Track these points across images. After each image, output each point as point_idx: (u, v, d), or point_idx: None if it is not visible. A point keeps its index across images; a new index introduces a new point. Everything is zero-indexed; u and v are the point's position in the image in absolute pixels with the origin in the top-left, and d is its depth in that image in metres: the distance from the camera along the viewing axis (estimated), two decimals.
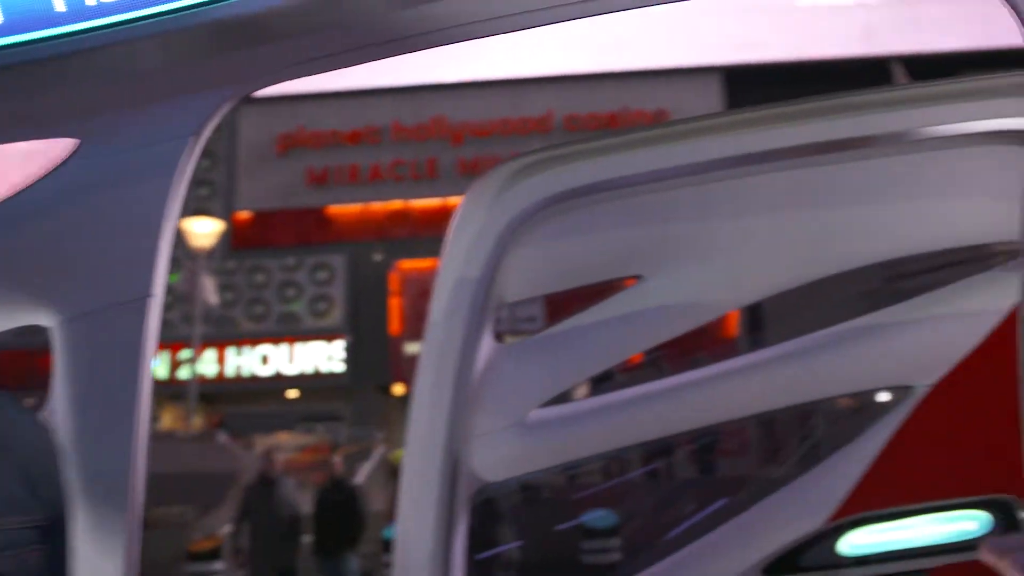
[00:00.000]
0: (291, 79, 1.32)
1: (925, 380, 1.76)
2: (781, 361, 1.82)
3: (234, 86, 1.32)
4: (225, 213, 14.38)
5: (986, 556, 0.60)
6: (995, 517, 1.82)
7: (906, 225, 1.73)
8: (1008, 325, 1.70)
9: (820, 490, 1.83)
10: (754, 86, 12.51)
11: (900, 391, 1.79)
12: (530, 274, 1.75)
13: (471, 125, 14.79)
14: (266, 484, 7.14)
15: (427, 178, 14.99)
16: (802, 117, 1.66)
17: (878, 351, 1.78)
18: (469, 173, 14.02)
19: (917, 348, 1.77)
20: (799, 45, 13.13)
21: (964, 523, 1.83)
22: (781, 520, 1.85)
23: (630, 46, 12.91)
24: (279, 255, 15.10)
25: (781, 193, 1.71)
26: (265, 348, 14.59)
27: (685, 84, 13.81)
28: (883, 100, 1.64)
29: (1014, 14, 1.42)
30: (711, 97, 13.69)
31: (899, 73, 12.21)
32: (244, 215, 15.33)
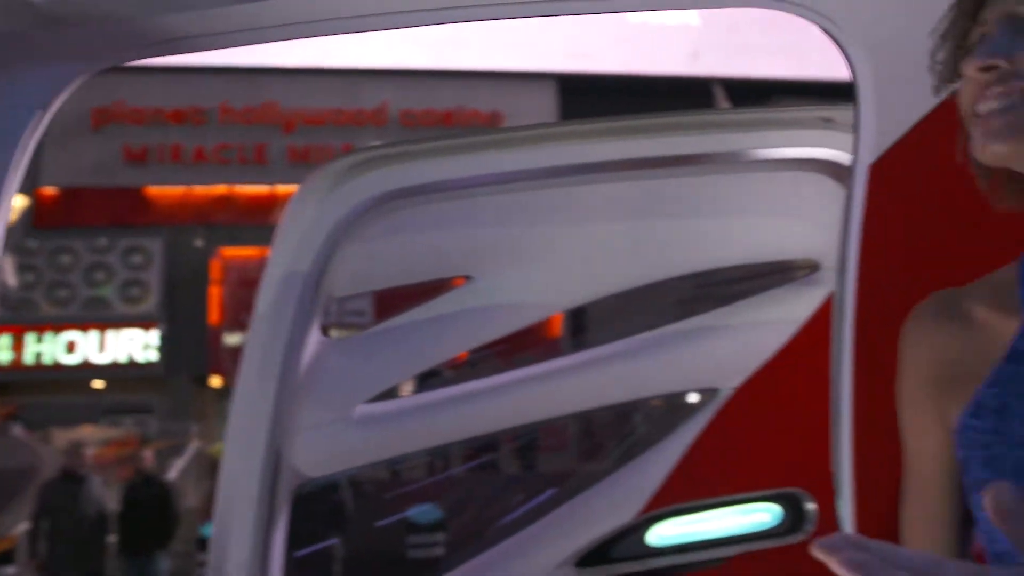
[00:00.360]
0: (148, 57, 1.26)
1: (729, 383, 1.89)
2: (600, 363, 1.91)
3: (87, 60, 1.25)
4: (28, 188, 13.35)
5: (817, 553, 0.64)
6: (785, 509, 1.99)
7: (719, 239, 1.86)
8: (804, 334, 1.87)
9: (632, 485, 1.94)
10: (587, 96, 12.96)
11: (706, 393, 1.92)
12: (361, 270, 1.76)
13: (304, 113, 14.45)
14: (70, 480, 6.69)
15: (255, 164, 14.50)
16: (632, 132, 1.75)
17: (688, 356, 1.90)
18: (299, 162, 13.69)
19: (723, 354, 1.89)
20: (631, 60, 13.69)
21: (759, 515, 1.98)
22: (595, 514, 1.94)
23: (469, 46, 13.03)
24: (88, 236, 14.15)
25: (609, 203, 1.81)
26: (71, 334, 13.64)
27: (521, 88, 14.10)
28: (705, 122, 1.76)
29: (839, 49, 1.55)
30: (545, 103, 14.05)
31: (720, 95, 12.98)
32: (49, 191, 14.26)
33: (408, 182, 1.70)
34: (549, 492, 2.09)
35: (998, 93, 0.83)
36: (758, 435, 1.95)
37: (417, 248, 1.77)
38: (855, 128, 1.66)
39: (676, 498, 1.93)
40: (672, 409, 2.06)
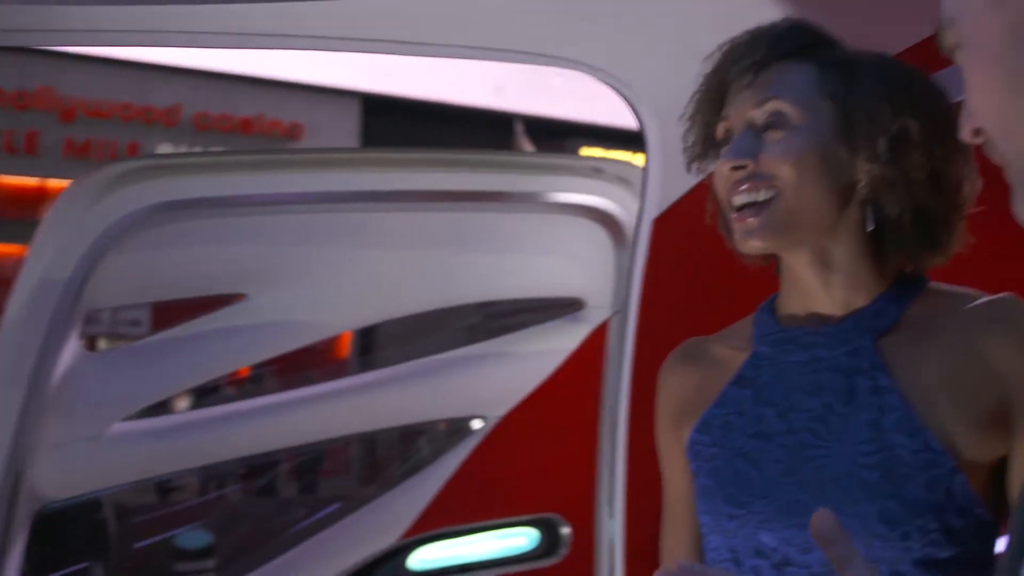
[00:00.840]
0: None
1: (495, 412, 1.97)
2: (369, 388, 1.95)
3: None
4: None
5: None
6: (542, 533, 2.08)
7: (494, 274, 1.96)
8: (568, 368, 1.98)
9: (397, 509, 1.96)
10: (390, 117, 12.99)
11: (475, 420, 1.99)
12: (129, 282, 1.69)
13: (86, 103, 13.44)
14: None
15: (24, 153, 13.30)
16: (417, 165, 1.82)
17: (457, 384, 1.97)
18: (77, 156, 12.71)
19: (491, 383, 1.98)
20: (436, 87, 13.87)
21: (517, 539, 2.07)
22: (360, 538, 1.95)
23: (273, 54, 12.70)
24: None
25: (392, 232, 1.85)
26: None
27: (324, 102, 13.90)
28: (487, 161, 1.86)
29: (632, 110, 1.67)
30: (348, 120, 13.93)
31: (520, 131, 13.41)
32: None
33: (186, 195, 1.66)
34: (315, 515, 2.08)
35: (747, 189, 0.99)
36: (520, 462, 2.03)
37: (191, 263, 1.73)
38: (642, 185, 1.79)
39: (440, 522, 1.98)
40: (439, 435, 2.12)
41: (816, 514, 0.69)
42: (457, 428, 2.04)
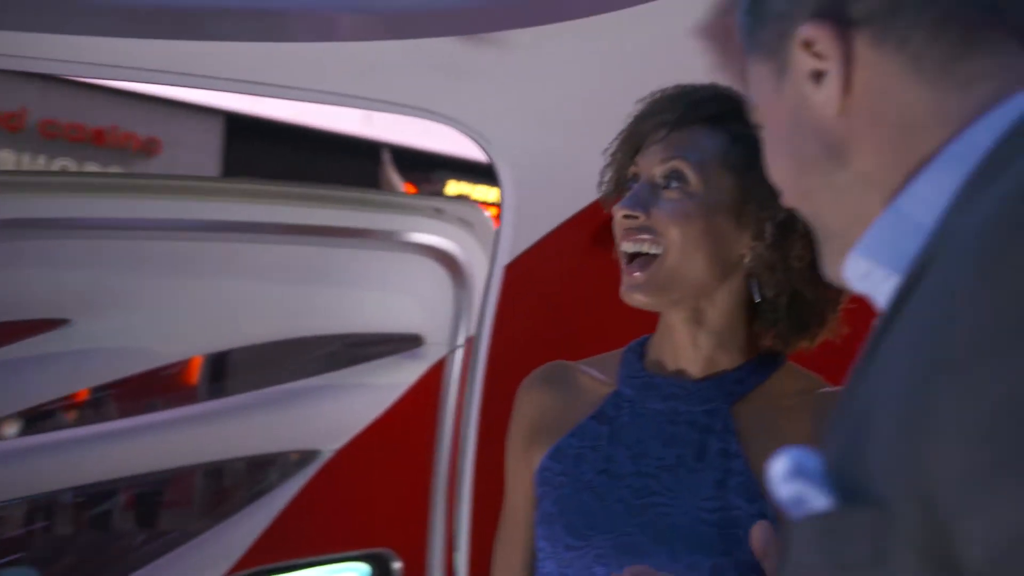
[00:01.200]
0: None
1: (330, 445, 1.96)
2: (208, 417, 1.90)
3: None
4: None
5: None
6: (374, 568, 2.06)
7: (337, 308, 1.96)
8: (404, 403, 1.98)
9: (227, 542, 1.91)
10: (255, 139, 12.69)
11: (310, 453, 1.97)
12: None
13: None
14: None
15: None
16: (260, 197, 1.80)
17: (293, 416, 1.95)
18: None
19: (327, 416, 1.97)
20: (304, 111, 13.67)
21: (347, 574, 2.05)
22: (186, 572, 1.89)
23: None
24: None
25: (230, 262, 1.83)
26: None
27: (185, 118, 13.43)
28: (332, 197, 1.86)
29: (489, 162, 1.74)
30: (210, 137, 13.51)
31: (388, 160, 13.38)
32: None
33: (9, 215, 1.59)
34: (142, 548, 2.00)
35: (636, 239, 1.05)
36: (355, 496, 2.02)
37: (11, 285, 1.65)
38: (497, 233, 1.85)
39: (270, 557, 1.94)
40: (272, 467, 2.09)
41: (757, 526, 0.76)
42: (291, 461, 2.01)
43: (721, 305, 1.08)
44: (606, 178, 1.15)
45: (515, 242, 1.83)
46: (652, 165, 1.07)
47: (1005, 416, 0.42)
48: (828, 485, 0.49)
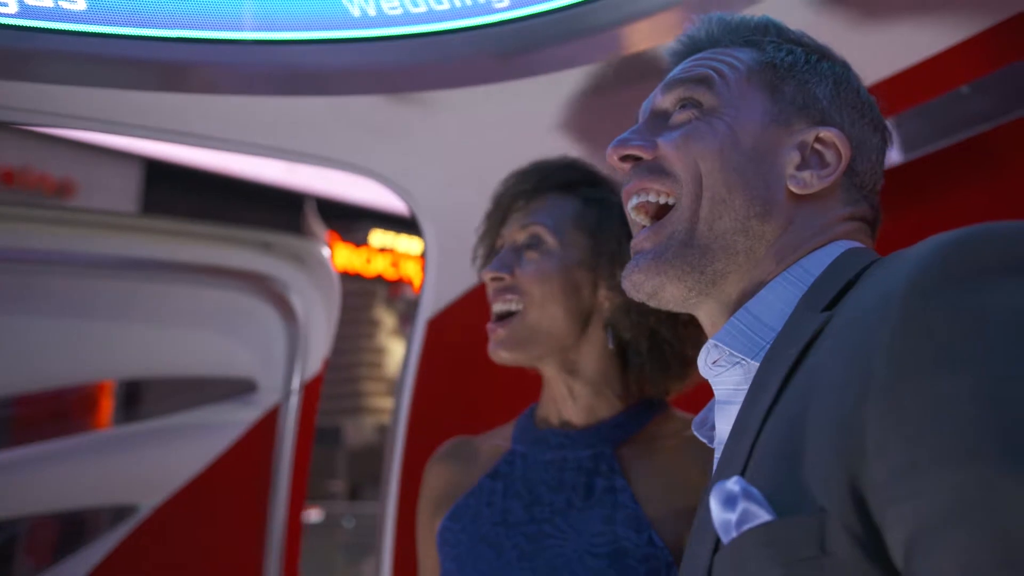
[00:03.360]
0: None
1: (150, 500, 1.81)
2: (10, 466, 1.72)
3: None
4: None
5: None
6: None
7: (154, 348, 1.81)
8: (233, 453, 1.84)
9: None
10: (175, 185, 12.43)
11: (126, 509, 1.82)
12: None
13: None
14: None
15: None
16: (74, 226, 1.65)
17: (107, 468, 1.79)
18: None
19: (147, 468, 1.82)
20: (227, 160, 13.50)
21: None
22: None
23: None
24: None
25: (36, 296, 1.66)
26: None
27: (103, 162, 13.09)
28: (150, 227, 1.72)
29: (415, 220, 1.73)
30: (128, 183, 13.18)
31: (312, 211, 13.26)
32: None
33: None
34: None
35: (502, 299, 1.12)
36: (177, 558, 1.85)
37: None
38: (421, 287, 1.79)
39: None
40: (80, 524, 1.87)
41: None
42: (105, 517, 1.83)
43: (588, 355, 1.14)
44: (478, 253, 1.22)
45: (437, 297, 1.81)
46: (514, 232, 1.15)
47: (924, 423, 0.52)
48: (767, 504, 0.59)
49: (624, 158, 0.80)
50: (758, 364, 0.71)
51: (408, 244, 14.72)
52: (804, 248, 0.75)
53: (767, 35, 0.83)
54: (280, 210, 12.34)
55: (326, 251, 1.86)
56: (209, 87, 1.37)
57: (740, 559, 0.59)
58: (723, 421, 0.76)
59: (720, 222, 0.75)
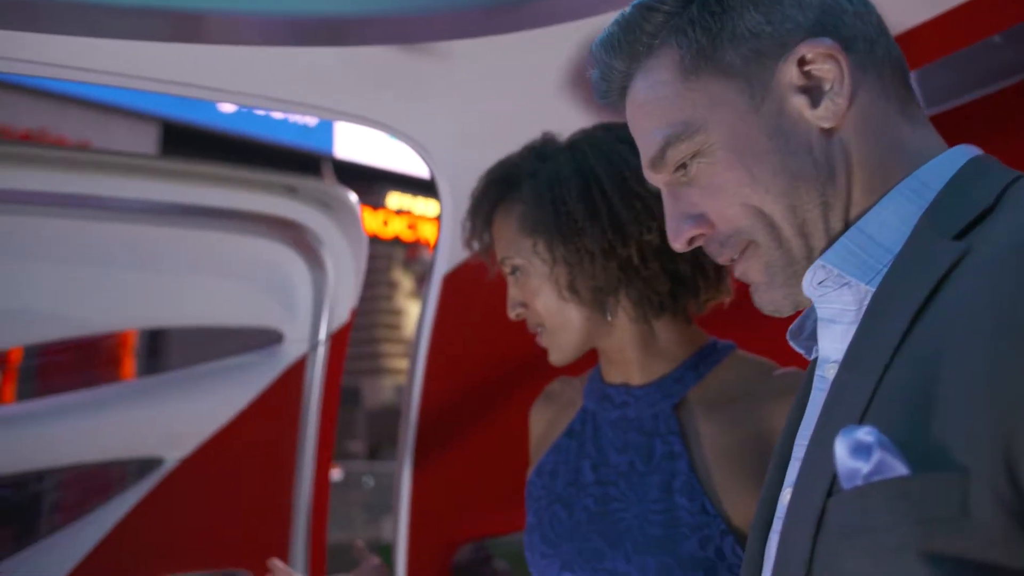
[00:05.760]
0: None
1: (176, 453, 1.76)
2: (31, 418, 1.68)
3: None
4: None
5: None
6: None
7: (187, 296, 1.75)
8: (259, 406, 1.80)
9: (45, 565, 1.68)
10: (191, 147, 12.42)
11: (151, 462, 1.77)
12: None
13: None
14: None
15: None
16: (95, 168, 1.57)
17: (132, 420, 1.75)
18: None
19: (172, 421, 1.77)
20: (245, 120, 13.46)
21: None
22: None
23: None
24: None
25: (58, 241, 1.61)
26: None
27: (119, 123, 13.07)
28: (172, 170, 1.64)
29: (431, 173, 1.71)
30: (145, 144, 13.17)
31: (329, 171, 13.24)
32: None
33: None
34: None
35: (535, 329, 1.16)
36: (202, 510, 1.82)
37: None
38: (436, 242, 1.76)
39: None
40: (107, 478, 1.83)
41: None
42: (128, 470, 1.79)
43: (621, 328, 1.13)
44: (466, 226, 1.22)
45: (453, 253, 1.78)
46: (499, 262, 1.18)
47: None
48: (901, 455, 0.55)
49: (690, 243, 0.75)
50: (871, 289, 0.67)
51: (425, 206, 14.68)
52: (903, 164, 0.69)
53: (653, 27, 0.73)
54: (297, 173, 12.29)
55: (353, 197, 1.79)
56: (221, 37, 1.32)
57: (867, 508, 0.57)
58: (828, 339, 0.72)
59: (805, 223, 0.69)
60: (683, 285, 1.12)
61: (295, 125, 13.04)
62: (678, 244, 0.75)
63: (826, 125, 0.69)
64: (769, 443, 1.00)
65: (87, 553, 1.68)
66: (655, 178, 0.76)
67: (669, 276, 1.10)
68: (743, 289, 0.79)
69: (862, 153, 0.69)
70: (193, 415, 1.76)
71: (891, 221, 0.67)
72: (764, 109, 0.68)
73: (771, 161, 0.68)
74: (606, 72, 0.77)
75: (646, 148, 0.75)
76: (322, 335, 1.80)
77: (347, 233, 1.77)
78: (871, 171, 0.69)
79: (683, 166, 0.73)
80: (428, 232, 14.73)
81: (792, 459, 0.73)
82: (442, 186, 1.72)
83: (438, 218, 1.77)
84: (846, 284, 0.69)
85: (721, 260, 0.75)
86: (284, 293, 1.77)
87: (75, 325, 1.66)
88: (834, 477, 0.59)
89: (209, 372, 1.79)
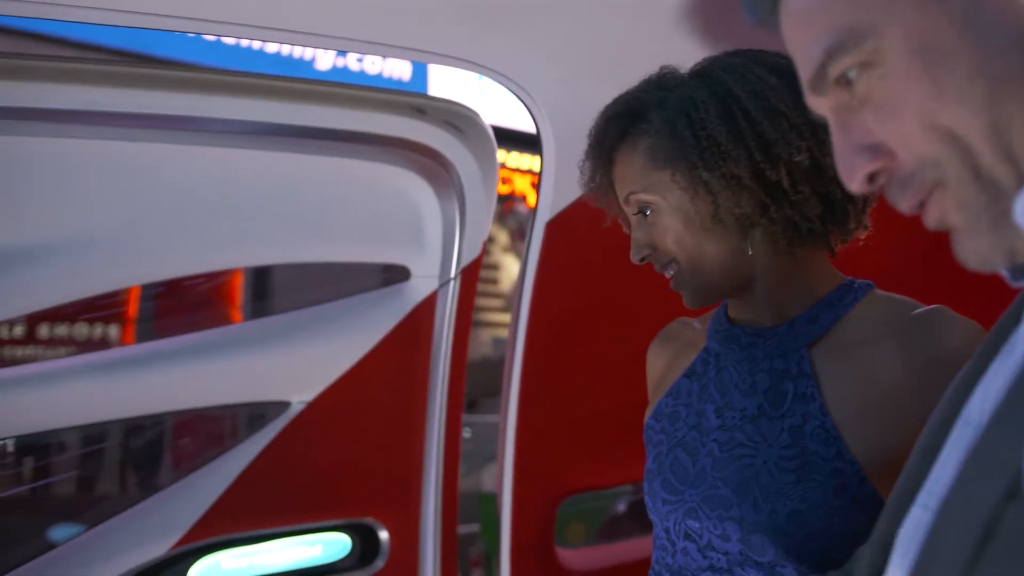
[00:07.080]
0: None
1: (301, 396, 1.67)
2: (151, 361, 1.59)
3: None
4: None
5: None
6: (355, 541, 1.82)
7: (306, 230, 1.62)
8: (386, 348, 1.71)
9: (176, 509, 1.63)
10: None
11: (277, 405, 1.69)
12: None
13: None
14: None
15: None
16: (204, 87, 1.43)
17: (255, 363, 1.65)
18: None
19: (297, 363, 1.68)
20: (337, 76, 13.51)
21: (324, 547, 1.79)
22: (127, 543, 1.62)
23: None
24: None
25: (174, 168, 1.48)
26: None
27: None
28: (289, 89, 1.49)
29: (531, 117, 1.59)
30: None
31: None
32: None
33: None
34: (74, 516, 1.73)
35: (663, 270, 1.09)
36: (330, 456, 1.74)
37: None
38: (538, 188, 1.65)
39: (227, 527, 1.66)
40: (233, 422, 1.79)
41: None
42: (254, 414, 1.72)
43: (761, 264, 1.08)
44: (584, 168, 1.14)
45: (556, 198, 1.68)
46: (622, 202, 1.11)
47: None
48: None
49: (869, 181, 0.61)
50: None
51: (520, 160, 14.65)
52: None
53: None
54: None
55: (485, 118, 1.65)
56: None
57: None
58: None
59: (1013, 144, 0.53)
60: (833, 212, 1.04)
61: (389, 79, 12.96)
62: (855, 184, 0.61)
63: None
64: (909, 389, 0.96)
65: (213, 503, 1.63)
66: (818, 103, 0.63)
67: (820, 200, 1.03)
68: None
69: None
70: (318, 358, 1.68)
71: None
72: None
73: (965, 63, 0.54)
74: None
75: (805, 66, 0.61)
76: (453, 270, 1.69)
77: (479, 157, 1.64)
78: None
79: (848, 82, 0.59)
80: (523, 186, 14.69)
81: (954, 433, 0.59)
82: (543, 130, 1.60)
83: (537, 169, 1.65)
84: None
85: (904, 207, 0.59)
86: (411, 225, 1.66)
87: (190, 263, 1.56)
88: (1019, 476, 0.47)
89: (332, 312, 1.69)
